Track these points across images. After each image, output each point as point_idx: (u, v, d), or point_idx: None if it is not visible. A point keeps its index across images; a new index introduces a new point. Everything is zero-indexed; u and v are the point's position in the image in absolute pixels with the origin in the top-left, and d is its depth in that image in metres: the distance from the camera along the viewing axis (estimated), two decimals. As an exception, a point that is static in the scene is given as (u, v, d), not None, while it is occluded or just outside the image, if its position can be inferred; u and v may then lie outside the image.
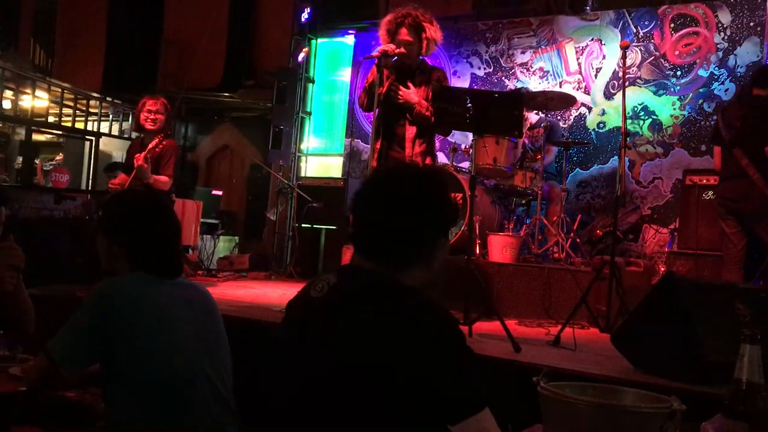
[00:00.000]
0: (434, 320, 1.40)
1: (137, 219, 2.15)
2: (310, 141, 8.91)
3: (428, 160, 4.33)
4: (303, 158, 8.89)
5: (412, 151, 4.24)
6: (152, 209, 2.19)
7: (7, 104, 10.49)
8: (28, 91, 10.15)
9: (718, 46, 6.26)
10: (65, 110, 10.79)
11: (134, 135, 6.65)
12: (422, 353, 1.35)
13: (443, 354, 1.37)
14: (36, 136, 10.95)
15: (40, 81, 10.29)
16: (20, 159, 10.64)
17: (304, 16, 8.62)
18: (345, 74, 8.60)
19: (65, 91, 10.43)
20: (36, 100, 10.29)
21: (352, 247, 1.59)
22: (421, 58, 4.40)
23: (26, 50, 11.81)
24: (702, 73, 6.31)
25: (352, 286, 1.50)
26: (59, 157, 11.07)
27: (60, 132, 11.33)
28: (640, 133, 6.48)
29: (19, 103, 10.44)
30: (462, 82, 7.36)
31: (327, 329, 1.44)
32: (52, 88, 10.37)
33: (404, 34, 4.21)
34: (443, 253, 1.56)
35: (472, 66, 7.41)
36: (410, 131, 4.25)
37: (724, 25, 6.25)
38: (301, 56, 8.53)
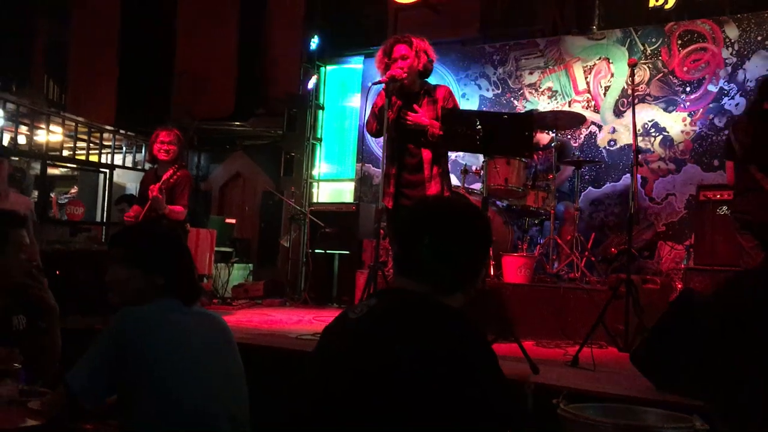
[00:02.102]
0: (471, 344, 1.42)
1: (172, 249, 2.20)
2: (321, 167, 8.96)
3: (446, 185, 4.32)
4: (315, 184, 8.93)
5: (431, 173, 4.23)
6: (179, 238, 2.26)
7: (22, 139, 10.64)
8: (43, 126, 10.28)
9: (727, 61, 6.26)
10: (79, 144, 10.91)
11: (148, 166, 6.70)
12: (454, 375, 1.35)
13: (476, 378, 1.37)
14: (51, 170, 11.07)
15: (54, 116, 10.43)
16: (36, 193, 10.75)
17: (313, 44, 8.72)
18: (354, 100, 8.66)
19: (79, 124, 10.56)
20: (50, 135, 10.42)
21: (395, 269, 1.65)
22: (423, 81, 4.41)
23: (40, 86, 11.99)
24: (711, 88, 6.30)
25: (393, 306, 1.54)
26: (74, 190, 11.19)
27: (74, 165, 11.45)
28: (652, 149, 6.47)
29: (34, 137, 10.57)
30: (471, 104, 7.39)
31: (363, 345, 1.47)
32: (66, 122, 10.50)
33: (399, 50, 4.24)
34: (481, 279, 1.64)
35: (480, 88, 7.44)
36: (426, 154, 4.24)
37: (732, 40, 6.25)
38: (310, 83, 8.61)
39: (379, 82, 4.19)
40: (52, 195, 10.77)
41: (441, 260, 1.56)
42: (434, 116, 4.23)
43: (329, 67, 8.96)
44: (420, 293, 1.55)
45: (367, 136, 7.81)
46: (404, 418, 1.34)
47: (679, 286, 5.51)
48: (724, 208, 5.05)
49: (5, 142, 10.26)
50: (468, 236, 1.61)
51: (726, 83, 6.24)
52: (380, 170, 4.36)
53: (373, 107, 4.33)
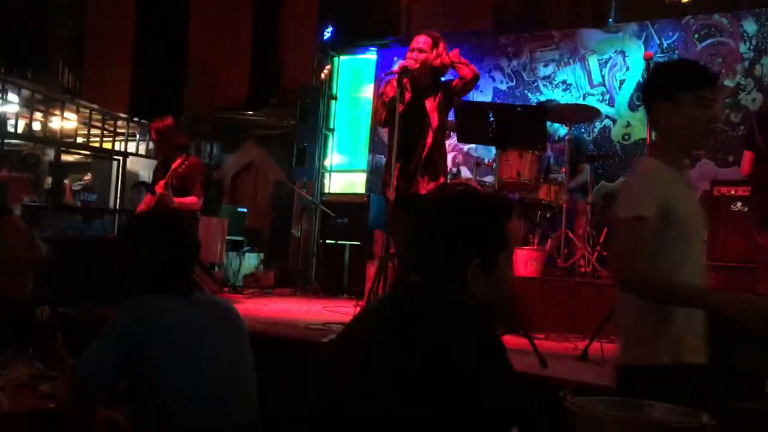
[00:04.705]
0: (461, 337, 1.41)
1: (148, 238, 2.19)
2: (333, 157, 8.96)
3: (443, 170, 4.32)
4: (327, 175, 8.94)
5: (431, 158, 4.23)
6: (163, 228, 2.23)
7: (37, 126, 10.71)
8: (58, 112, 10.35)
9: (744, 55, 6.19)
10: (93, 131, 10.99)
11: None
12: (448, 368, 1.35)
13: (469, 371, 1.36)
14: (65, 157, 11.14)
15: (69, 102, 10.50)
16: (50, 179, 10.83)
17: (327, 34, 8.71)
18: (367, 91, 8.65)
19: (93, 112, 10.63)
20: (65, 122, 10.49)
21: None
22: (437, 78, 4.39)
23: (56, 73, 12.05)
24: (728, 83, 6.23)
25: (397, 297, 1.56)
26: (88, 177, 11.25)
27: (88, 152, 11.53)
28: (666, 144, 6.41)
29: (49, 124, 10.64)
30: (484, 96, 7.35)
31: (365, 334, 1.49)
32: (81, 109, 10.57)
33: (418, 41, 4.24)
34: (483, 274, 1.51)
35: (494, 80, 7.40)
36: (428, 141, 4.24)
37: (750, 35, 6.18)
38: (324, 73, 8.62)
39: (391, 73, 4.19)
40: (66, 182, 10.85)
41: (427, 248, 1.53)
42: (441, 101, 4.23)
43: (342, 58, 8.95)
44: (421, 284, 1.52)
45: (380, 127, 7.84)
46: (402, 404, 1.34)
47: (691, 282, 5.47)
48: (738, 204, 5.01)
49: (20, 128, 10.34)
50: (438, 227, 1.53)
51: (743, 78, 6.18)
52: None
53: (382, 96, 4.32)
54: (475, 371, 1.36)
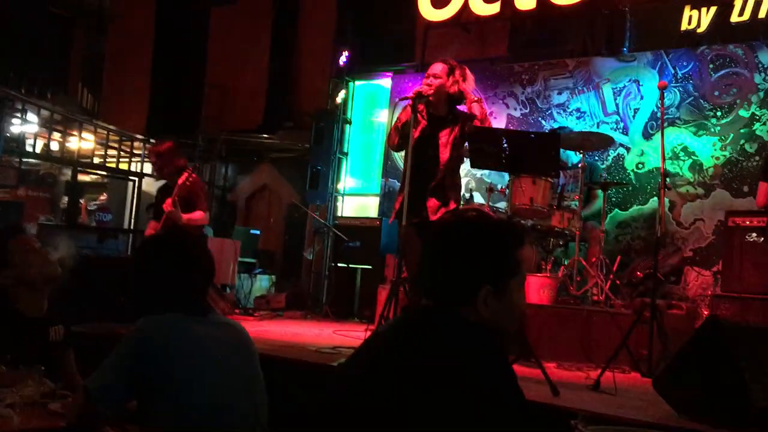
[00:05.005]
0: (470, 357, 1.41)
1: (161, 262, 2.20)
2: (346, 181, 9.01)
3: (455, 197, 4.33)
4: (339, 198, 8.97)
5: (443, 185, 4.24)
6: (177, 249, 2.24)
7: (54, 146, 10.85)
8: (75, 133, 10.49)
9: (759, 86, 6.18)
10: (110, 152, 11.11)
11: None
12: (451, 388, 1.35)
13: (474, 392, 1.36)
14: (81, 177, 11.26)
15: (87, 123, 10.64)
16: (66, 199, 10.94)
17: (342, 59, 8.80)
18: (381, 116, 8.71)
19: (110, 133, 10.75)
20: (82, 142, 10.62)
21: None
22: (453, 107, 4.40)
23: (74, 94, 12.24)
24: (743, 113, 6.22)
25: (405, 320, 1.59)
26: (103, 197, 11.37)
27: (105, 173, 11.64)
28: (680, 173, 6.39)
29: (67, 144, 10.78)
30: (498, 123, 7.38)
31: (372, 350, 1.51)
32: (98, 130, 10.70)
33: (434, 68, 4.26)
34: (494, 299, 1.52)
35: (508, 107, 7.43)
36: (441, 170, 4.26)
37: (765, 65, 6.18)
38: (339, 98, 8.70)
39: (405, 98, 4.21)
40: (82, 201, 10.95)
41: (438, 272, 1.55)
42: (457, 134, 4.24)
43: (358, 83, 9.03)
44: (433, 308, 1.54)
45: (393, 152, 7.87)
46: (405, 408, 1.35)
47: (705, 312, 5.42)
48: (754, 234, 4.97)
49: (38, 148, 10.47)
50: (450, 252, 1.55)
51: (758, 108, 6.16)
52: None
53: (396, 122, 4.35)
54: (478, 377, 1.36)
